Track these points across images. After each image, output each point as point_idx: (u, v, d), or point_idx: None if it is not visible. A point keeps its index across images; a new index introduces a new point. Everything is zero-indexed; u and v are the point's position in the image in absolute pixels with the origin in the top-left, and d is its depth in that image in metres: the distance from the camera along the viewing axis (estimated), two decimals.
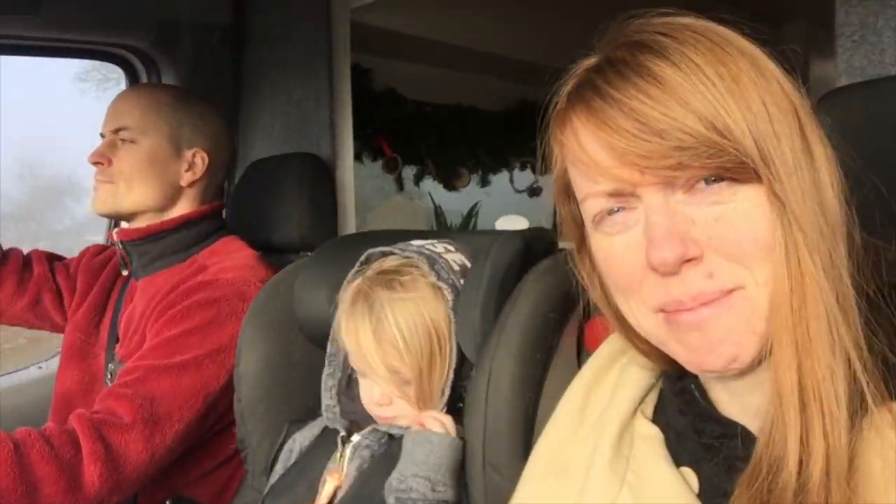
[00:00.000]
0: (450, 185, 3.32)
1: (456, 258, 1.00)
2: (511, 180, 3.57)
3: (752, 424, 0.61)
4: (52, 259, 1.59)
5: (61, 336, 1.56)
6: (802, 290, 0.53)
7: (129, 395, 1.16)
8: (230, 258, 1.36)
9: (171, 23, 1.83)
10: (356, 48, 1.77)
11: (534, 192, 3.59)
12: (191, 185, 1.42)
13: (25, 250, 1.59)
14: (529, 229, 1.05)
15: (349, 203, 1.72)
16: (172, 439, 1.17)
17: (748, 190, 0.54)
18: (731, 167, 0.54)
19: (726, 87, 0.54)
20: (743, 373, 0.58)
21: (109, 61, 1.92)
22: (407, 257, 1.00)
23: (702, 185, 0.55)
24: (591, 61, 0.62)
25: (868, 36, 0.93)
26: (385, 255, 1.02)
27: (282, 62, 1.82)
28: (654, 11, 0.60)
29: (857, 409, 0.52)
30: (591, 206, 0.60)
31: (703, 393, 0.65)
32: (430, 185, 3.28)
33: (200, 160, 1.42)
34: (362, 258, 1.03)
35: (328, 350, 1.07)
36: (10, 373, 1.84)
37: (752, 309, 0.55)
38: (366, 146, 2.75)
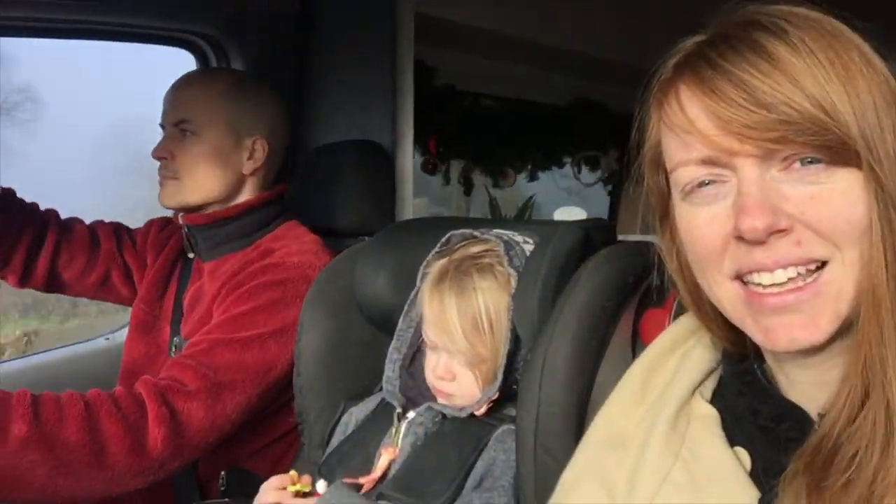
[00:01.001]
0: (496, 183, 3.33)
1: (531, 249, 1.02)
2: (577, 175, 3.55)
3: (810, 407, 0.62)
4: (119, 233, 1.61)
5: (129, 309, 1.63)
6: None
7: (194, 365, 1.21)
8: (295, 243, 1.40)
9: (241, 11, 1.88)
10: (419, 40, 1.80)
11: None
12: (252, 172, 1.45)
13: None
14: (589, 220, 1.07)
15: (407, 190, 1.75)
16: (234, 410, 1.22)
17: (844, 173, 0.56)
18: (832, 147, 0.55)
19: (836, 72, 0.56)
20: (810, 353, 0.59)
21: (180, 47, 1.97)
22: (487, 240, 1.03)
23: (798, 164, 0.56)
24: (701, 36, 0.63)
25: None
26: (465, 238, 1.05)
27: (347, 52, 1.85)
28: (758, 2, 0.62)
29: None
30: (681, 175, 0.61)
31: (765, 374, 0.67)
32: (479, 181, 3.30)
33: (261, 148, 1.44)
34: (443, 240, 1.06)
35: (399, 325, 1.10)
36: (79, 342, 1.93)
37: (838, 291, 0.56)
38: (417, 140, 2.77)
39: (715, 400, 0.71)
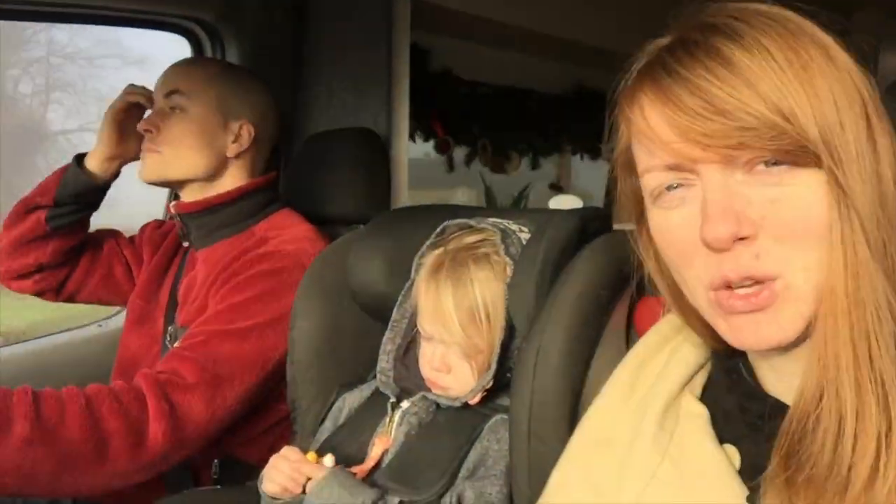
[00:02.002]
0: (499, 168, 3.31)
1: (527, 238, 1.01)
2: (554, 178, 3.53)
3: None
4: (118, 235, 1.64)
5: None
6: (857, 274, 0.54)
7: (193, 357, 1.20)
8: (290, 231, 1.39)
9: None
10: (415, 26, 1.79)
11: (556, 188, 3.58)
12: (237, 156, 1.45)
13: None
14: (585, 209, 1.06)
15: (403, 178, 1.74)
16: (233, 401, 1.21)
17: (806, 174, 0.55)
18: (792, 150, 0.54)
19: (795, 73, 0.55)
20: (786, 349, 0.59)
21: (177, 33, 1.96)
22: (482, 230, 1.02)
23: (761, 166, 0.56)
24: (664, 41, 0.63)
25: None
26: (461, 227, 1.05)
27: (342, 39, 1.84)
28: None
29: None
30: (650, 180, 0.62)
31: (752, 372, 0.66)
32: (479, 167, 3.28)
33: (247, 132, 1.45)
34: (438, 230, 1.05)
35: (393, 315, 1.09)
36: (72, 329, 1.92)
37: (797, 297, 0.56)
38: (419, 125, 2.76)
39: (705, 396, 0.71)
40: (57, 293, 1.58)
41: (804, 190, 0.55)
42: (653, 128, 0.59)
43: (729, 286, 0.58)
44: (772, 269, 0.56)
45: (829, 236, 0.55)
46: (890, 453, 0.52)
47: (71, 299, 1.61)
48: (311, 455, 1.01)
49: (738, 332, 0.59)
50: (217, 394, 1.19)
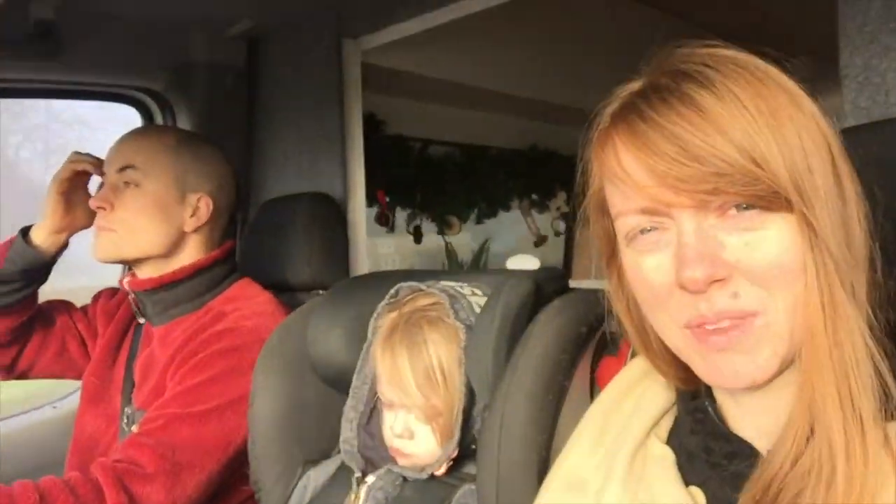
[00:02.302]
0: (441, 231, 3.35)
1: (482, 301, 1.01)
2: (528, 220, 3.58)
3: (761, 443, 0.63)
4: (70, 307, 1.58)
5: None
6: (834, 315, 0.55)
7: (152, 445, 1.16)
8: (248, 304, 1.36)
9: (185, 65, 1.87)
10: (367, 88, 1.80)
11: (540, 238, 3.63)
12: (195, 230, 1.41)
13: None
14: (541, 269, 1.07)
15: (361, 243, 1.74)
16: (194, 489, 1.17)
17: (779, 218, 0.57)
18: (764, 195, 0.56)
19: (765, 120, 0.56)
20: (756, 388, 0.60)
21: (125, 103, 1.96)
22: (433, 293, 1.02)
23: (733, 210, 0.57)
24: (635, 85, 0.64)
25: (872, 77, 0.94)
26: (413, 290, 1.04)
27: (294, 103, 1.85)
28: (697, 42, 0.63)
29: (887, 417, 0.56)
30: (624, 223, 0.62)
31: (717, 411, 0.67)
32: (426, 228, 3.31)
33: (205, 205, 1.41)
34: (392, 292, 1.05)
35: (353, 382, 1.08)
36: (25, 412, 1.85)
37: (773, 333, 0.58)
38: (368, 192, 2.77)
39: (671, 439, 0.71)
40: (9, 371, 1.51)
41: (777, 233, 0.57)
42: (627, 171, 0.60)
43: (703, 324, 0.59)
44: (750, 307, 0.57)
45: (803, 278, 0.56)
46: (864, 493, 0.53)
47: (23, 376, 1.54)
48: None
49: (715, 371, 0.60)
50: (177, 483, 1.15)
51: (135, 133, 1.45)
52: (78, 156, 1.42)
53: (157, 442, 1.16)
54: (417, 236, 3.19)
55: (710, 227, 0.58)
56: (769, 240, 0.57)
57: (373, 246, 3.32)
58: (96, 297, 1.60)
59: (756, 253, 0.57)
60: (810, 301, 0.56)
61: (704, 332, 0.59)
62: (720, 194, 0.56)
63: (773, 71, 0.60)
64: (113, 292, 1.59)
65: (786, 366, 0.59)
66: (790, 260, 0.56)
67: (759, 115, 0.56)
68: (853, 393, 0.55)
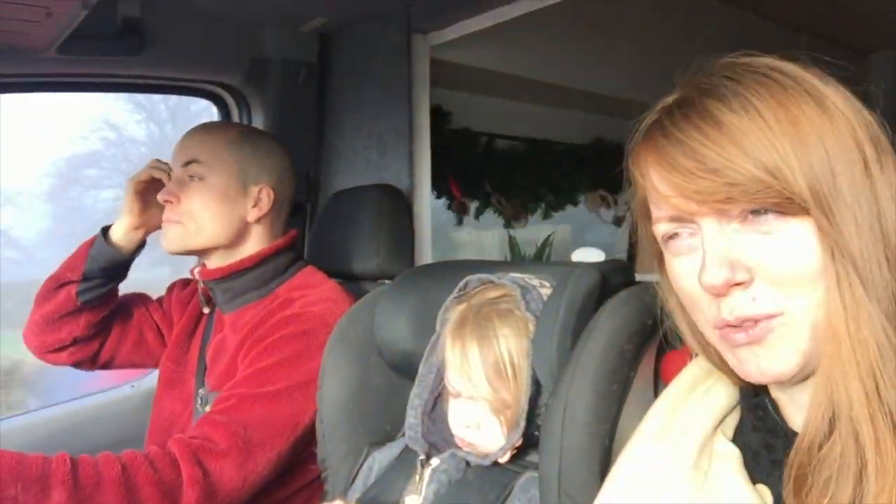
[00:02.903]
0: (510, 222, 3.35)
1: (549, 293, 1.02)
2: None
3: None
4: (146, 299, 1.66)
5: None
6: (857, 315, 0.57)
7: (224, 422, 1.22)
8: (315, 291, 1.40)
9: (260, 61, 1.93)
10: (435, 83, 1.83)
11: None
12: (258, 220, 1.46)
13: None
14: (606, 261, 1.07)
15: (426, 234, 1.76)
16: (264, 466, 1.22)
17: (796, 222, 0.59)
18: (778, 202, 0.59)
19: (783, 129, 0.59)
20: (801, 381, 0.63)
21: (203, 97, 2.03)
22: (503, 285, 1.03)
23: (752, 216, 0.60)
24: (668, 100, 0.68)
25: None
26: (483, 282, 1.06)
27: (364, 98, 1.89)
28: (738, 53, 0.66)
29: None
30: (659, 230, 0.67)
31: (777, 408, 0.68)
32: (491, 219, 3.31)
33: (266, 196, 1.46)
34: (461, 284, 1.06)
35: (420, 370, 1.10)
36: (105, 390, 1.95)
37: (794, 333, 0.60)
38: (434, 183, 2.80)
39: (737, 437, 0.72)
40: (92, 363, 1.60)
41: (794, 237, 0.59)
42: (655, 186, 0.65)
43: (729, 325, 0.62)
44: (768, 310, 0.60)
45: (823, 280, 0.58)
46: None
47: (106, 367, 1.63)
48: None
49: (743, 365, 0.63)
50: (249, 459, 1.20)
51: (198, 129, 1.50)
52: (157, 163, 1.50)
53: (230, 420, 1.22)
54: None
55: (731, 231, 0.61)
56: (787, 243, 0.59)
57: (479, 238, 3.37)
58: (170, 288, 1.67)
59: (775, 255, 0.60)
60: (831, 302, 0.58)
61: (729, 331, 0.62)
62: (735, 203, 0.60)
63: (802, 76, 0.62)
64: (186, 282, 1.66)
65: (817, 361, 0.60)
66: (809, 263, 0.59)
67: (777, 125, 0.59)
68: (880, 388, 0.56)
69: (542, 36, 2.08)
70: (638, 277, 1.09)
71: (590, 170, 3.34)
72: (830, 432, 0.58)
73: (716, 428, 0.72)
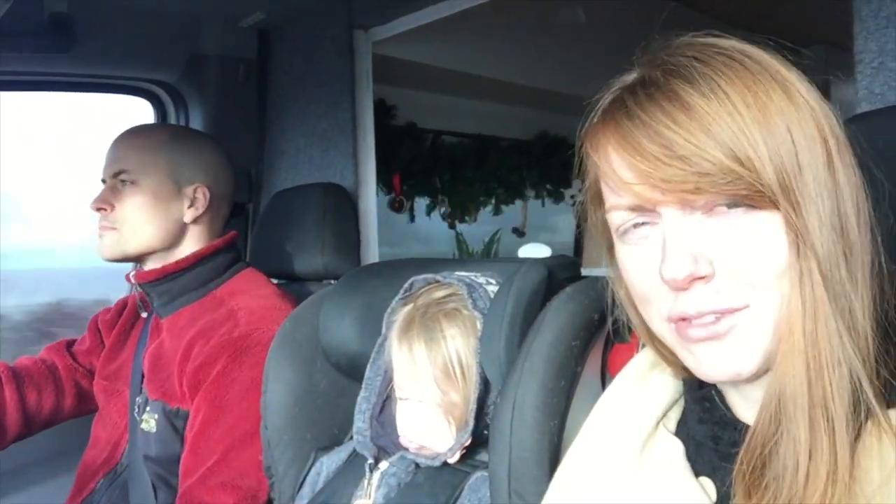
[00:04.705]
0: (460, 218, 3.35)
1: (496, 290, 1.01)
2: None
3: None
4: (69, 345, 1.59)
5: None
6: (814, 315, 0.55)
7: (222, 483, 1.21)
8: (255, 300, 1.36)
9: (198, 58, 1.88)
10: (378, 79, 1.81)
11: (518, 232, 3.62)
12: (195, 220, 1.43)
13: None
14: (553, 257, 1.07)
15: (372, 232, 1.74)
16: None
17: (764, 216, 0.56)
18: (748, 195, 0.55)
19: (752, 116, 0.55)
20: (754, 377, 0.60)
21: (138, 96, 1.97)
22: (449, 284, 1.02)
23: (722, 208, 0.57)
24: (627, 78, 0.63)
25: (888, 62, 0.93)
26: (428, 282, 1.04)
27: (306, 95, 1.85)
28: (697, 33, 0.62)
29: (861, 419, 0.55)
30: (614, 218, 0.63)
31: (723, 399, 0.67)
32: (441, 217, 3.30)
33: (202, 195, 1.43)
34: (406, 285, 1.04)
35: (366, 374, 1.08)
36: None
37: (757, 329, 0.57)
38: (380, 179, 2.78)
39: (679, 429, 0.71)
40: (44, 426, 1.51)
41: (762, 230, 0.56)
42: (615, 170, 0.60)
43: (686, 318, 0.59)
44: (732, 304, 0.57)
45: (788, 276, 0.56)
46: (834, 491, 0.53)
47: (47, 426, 1.52)
48: None
49: (700, 363, 0.60)
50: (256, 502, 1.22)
51: (126, 135, 1.46)
52: None
53: (226, 478, 1.22)
54: (452, 222, 3.19)
55: (695, 223, 0.57)
56: (753, 237, 0.56)
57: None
58: (93, 321, 1.61)
59: (740, 251, 0.56)
60: (792, 299, 0.56)
61: (686, 326, 0.59)
62: (703, 193, 0.56)
63: (769, 62, 0.59)
64: (107, 310, 1.61)
65: (773, 359, 0.58)
66: (775, 259, 0.56)
67: (747, 111, 0.55)
68: (826, 394, 0.54)
69: (486, 32, 2.07)
70: (584, 272, 1.09)
71: (537, 164, 3.35)
72: (776, 431, 0.56)
73: (658, 421, 0.71)
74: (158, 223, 1.39)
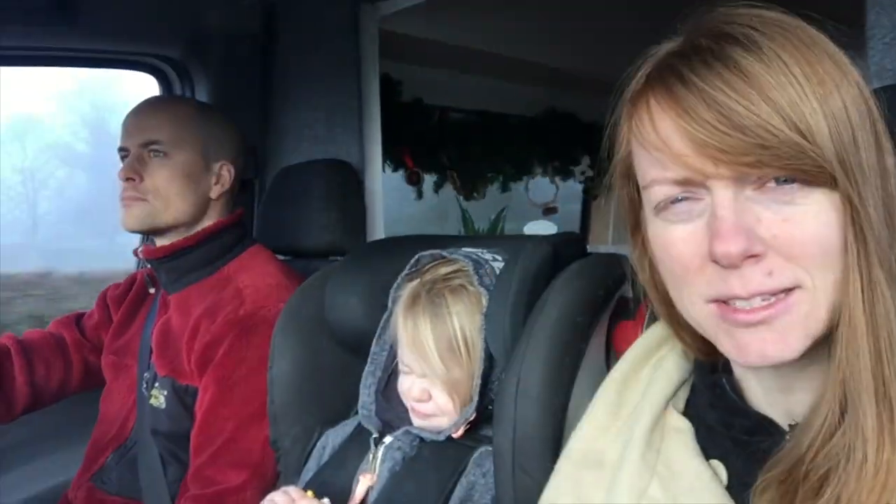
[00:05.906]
0: (468, 195, 3.33)
1: (502, 267, 1.01)
2: (526, 189, 3.54)
3: (779, 415, 0.62)
4: (78, 319, 1.59)
5: None
6: (873, 298, 0.53)
7: (232, 461, 1.23)
8: (261, 278, 1.37)
9: (202, 33, 1.86)
10: (384, 55, 1.79)
11: (549, 211, 3.59)
12: (218, 197, 1.44)
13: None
14: (558, 234, 1.06)
15: (377, 209, 1.74)
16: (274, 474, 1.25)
17: (820, 194, 0.54)
18: (808, 170, 0.53)
19: (812, 88, 0.53)
20: (783, 365, 0.58)
21: (142, 71, 1.95)
22: (455, 260, 1.02)
23: (773, 183, 0.54)
24: (673, 45, 0.60)
25: None
26: (434, 258, 1.04)
27: (311, 71, 1.84)
28: (738, 3, 0.59)
29: None
30: (655, 193, 0.59)
31: (735, 387, 0.66)
32: (450, 194, 3.28)
33: (227, 172, 1.44)
34: (412, 261, 1.04)
35: (372, 348, 1.09)
36: None
37: (809, 311, 0.55)
38: (388, 155, 2.76)
39: (688, 410, 0.70)
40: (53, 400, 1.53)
41: (817, 209, 0.54)
42: (664, 139, 0.56)
43: (728, 301, 0.56)
44: (785, 286, 0.55)
45: (843, 257, 0.54)
46: (890, 477, 0.52)
47: (53, 400, 1.54)
48: (311, 493, 0.99)
49: (743, 349, 0.57)
50: (263, 480, 1.23)
51: (153, 106, 1.45)
52: None
53: (234, 457, 1.24)
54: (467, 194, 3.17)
55: (747, 199, 0.55)
56: (808, 215, 0.54)
57: None
58: (101, 297, 1.61)
59: (794, 229, 0.54)
60: (850, 281, 0.53)
61: (733, 309, 0.56)
62: (762, 167, 0.53)
63: (819, 36, 0.57)
64: (116, 285, 1.61)
65: (818, 345, 0.56)
66: (830, 238, 0.54)
67: (807, 83, 0.53)
68: (886, 379, 0.53)
69: (493, 7, 2.05)
70: (590, 249, 1.09)
71: (545, 141, 3.32)
72: (839, 425, 0.54)
73: (668, 401, 0.70)
74: (188, 198, 1.40)
